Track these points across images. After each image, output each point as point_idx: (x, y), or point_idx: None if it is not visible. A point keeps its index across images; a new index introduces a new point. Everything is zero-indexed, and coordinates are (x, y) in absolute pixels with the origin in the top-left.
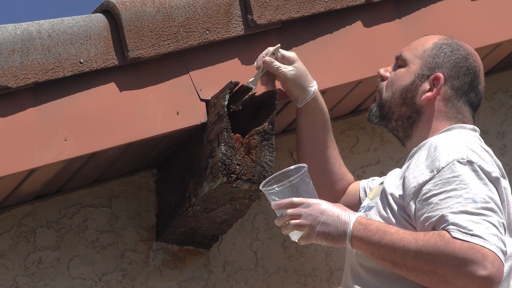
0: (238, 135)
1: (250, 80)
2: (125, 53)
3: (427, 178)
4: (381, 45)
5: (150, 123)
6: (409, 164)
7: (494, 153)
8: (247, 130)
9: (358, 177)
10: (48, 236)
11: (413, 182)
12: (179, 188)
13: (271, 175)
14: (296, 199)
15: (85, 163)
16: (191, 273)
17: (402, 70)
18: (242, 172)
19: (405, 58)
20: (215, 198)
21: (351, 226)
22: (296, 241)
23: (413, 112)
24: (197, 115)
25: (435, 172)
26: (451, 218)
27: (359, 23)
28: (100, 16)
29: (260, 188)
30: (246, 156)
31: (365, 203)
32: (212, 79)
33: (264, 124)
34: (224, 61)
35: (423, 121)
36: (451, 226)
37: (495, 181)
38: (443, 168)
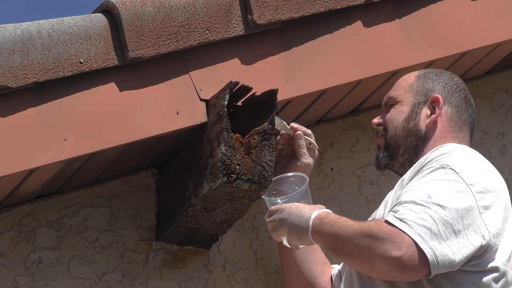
0: (238, 135)
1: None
2: (125, 53)
3: (410, 178)
4: (381, 45)
5: (150, 123)
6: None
7: (494, 153)
8: (247, 130)
9: (358, 177)
10: (48, 236)
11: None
12: (179, 188)
13: (271, 175)
14: (273, 208)
15: (85, 163)
16: (191, 273)
17: (396, 107)
18: (242, 172)
19: (395, 97)
20: (215, 198)
21: (311, 223)
22: (292, 247)
23: (419, 140)
24: (197, 115)
25: (418, 172)
26: (396, 207)
27: (359, 23)
28: (100, 16)
29: (264, 197)
30: (246, 156)
31: None
32: (212, 79)
33: (264, 124)
34: (224, 61)
35: (429, 146)
36: (391, 212)
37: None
38: (425, 167)
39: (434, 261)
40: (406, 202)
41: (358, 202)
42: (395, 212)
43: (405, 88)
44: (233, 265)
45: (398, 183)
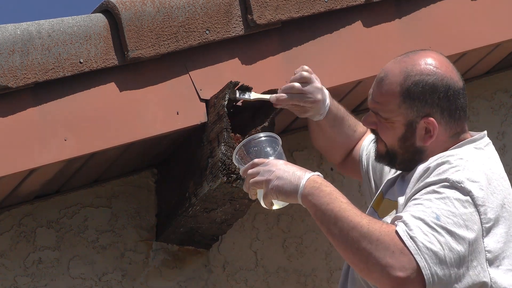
0: (238, 135)
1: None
2: (125, 53)
3: (420, 187)
4: (381, 45)
5: (150, 123)
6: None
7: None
8: (247, 130)
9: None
10: (48, 236)
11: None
12: (179, 188)
13: None
14: (257, 160)
15: (85, 163)
16: (191, 273)
17: (387, 126)
18: None
19: (385, 118)
20: (215, 198)
21: (304, 181)
22: (263, 205)
23: (416, 154)
24: (197, 115)
25: (428, 184)
26: (407, 218)
27: (359, 23)
28: (100, 16)
29: (235, 156)
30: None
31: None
32: (212, 79)
33: (264, 124)
34: (224, 61)
35: (428, 155)
36: (401, 223)
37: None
38: (436, 182)
39: (430, 284)
40: (414, 217)
41: (358, 202)
42: (406, 224)
43: (392, 109)
44: (233, 265)
45: (413, 178)
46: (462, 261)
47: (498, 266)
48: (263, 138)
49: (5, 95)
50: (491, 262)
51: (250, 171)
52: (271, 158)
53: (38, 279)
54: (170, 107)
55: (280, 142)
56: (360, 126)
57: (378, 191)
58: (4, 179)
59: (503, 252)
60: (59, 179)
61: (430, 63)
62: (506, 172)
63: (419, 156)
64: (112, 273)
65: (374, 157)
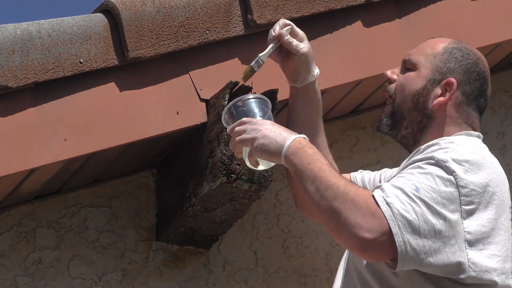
0: None
1: (261, 54)
2: (125, 53)
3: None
4: (381, 45)
5: (150, 123)
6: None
7: (494, 153)
8: None
9: None
10: (48, 236)
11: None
12: (179, 188)
13: (271, 174)
14: (245, 118)
15: (85, 163)
16: (191, 273)
17: (412, 74)
18: (242, 172)
19: (414, 62)
20: (215, 198)
21: (289, 142)
22: (248, 164)
23: (424, 117)
24: (197, 115)
25: (414, 162)
26: (386, 186)
27: (359, 23)
28: (100, 16)
29: (224, 115)
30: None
31: None
32: (212, 79)
33: None
34: (224, 61)
35: (434, 127)
36: (379, 190)
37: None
38: (421, 159)
39: (403, 253)
40: (394, 186)
41: None
42: (383, 190)
43: (427, 57)
44: (233, 265)
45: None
46: (437, 235)
47: (481, 250)
48: (252, 99)
49: (5, 95)
50: (471, 243)
51: (237, 128)
52: (259, 118)
53: (38, 279)
54: (170, 107)
55: (270, 106)
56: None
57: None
58: (4, 179)
59: (489, 237)
60: (59, 179)
61: (483, 57)
62: (506, 172)
63: (427, 121)
64: (112, 273)
65: (370, 174)
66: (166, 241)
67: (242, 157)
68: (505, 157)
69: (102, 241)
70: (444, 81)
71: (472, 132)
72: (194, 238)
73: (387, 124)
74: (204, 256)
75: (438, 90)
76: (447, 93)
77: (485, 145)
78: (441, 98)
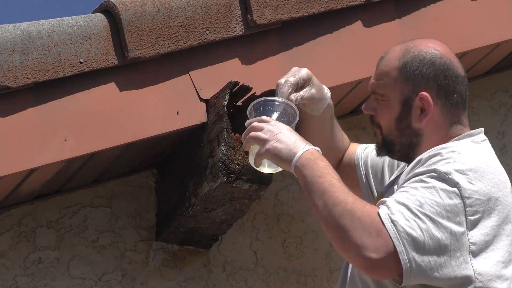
0: (238, 135)
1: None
2: (125, 53)
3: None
4: (381, 45)
5: (150, 123)
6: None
7: (494, 153)
8: None
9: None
10: (48, 236)
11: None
12: (179, 188)
13: (271, 174)
14: (266, 117)
15: (85, 163)
16: (191, 273)
17: (384, 103)
18: (242, 172)
19: (381, 94)
20: (215, 198)
21: (302, 151)
22: (251, 163)
23: (413, 137)
24: (197, 115)
25: (417, 174)
26: (390, 202)
27: (359, 23)
28: (100, 16)
29: (251, 109)
30: (246, 156)
31: None
32: (212, 79)
33: None
34: (224, 61)
35: (426, 140)
36: (384, 206)
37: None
38: (424, 172)
39: (408, 270)
40: (398, 202)
41: None
42: (388, 207)
43: (389, 81)
44: (233, 265)
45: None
46: (443, 250)
47: (485, 258)
48: (282, 105)
49: (5, 95)
50: (475, 254)
51: (255, 123)
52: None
53: (38, 279)
54: (170, 107)
55: (298, 119)
56: (346, 140)
57: (377, 192)
58: (4, 179)
59: (492, 244)
60: (59, 179)
61: (431, 45)
62: (506, 172)
63: (417, 140)
64: (112, 273)
65: (375, 155)
66: (166, 241)
67: (248, 152)
68: (505, 157)
69: (102, 241)
70: (416, 99)
71: (473, 131)
72: (194, 238)
73: (383, 151)
74: (204, 256)
75: (417, 110)
76: (427, 109)
77: (488, 144)
78: (423, 116)
